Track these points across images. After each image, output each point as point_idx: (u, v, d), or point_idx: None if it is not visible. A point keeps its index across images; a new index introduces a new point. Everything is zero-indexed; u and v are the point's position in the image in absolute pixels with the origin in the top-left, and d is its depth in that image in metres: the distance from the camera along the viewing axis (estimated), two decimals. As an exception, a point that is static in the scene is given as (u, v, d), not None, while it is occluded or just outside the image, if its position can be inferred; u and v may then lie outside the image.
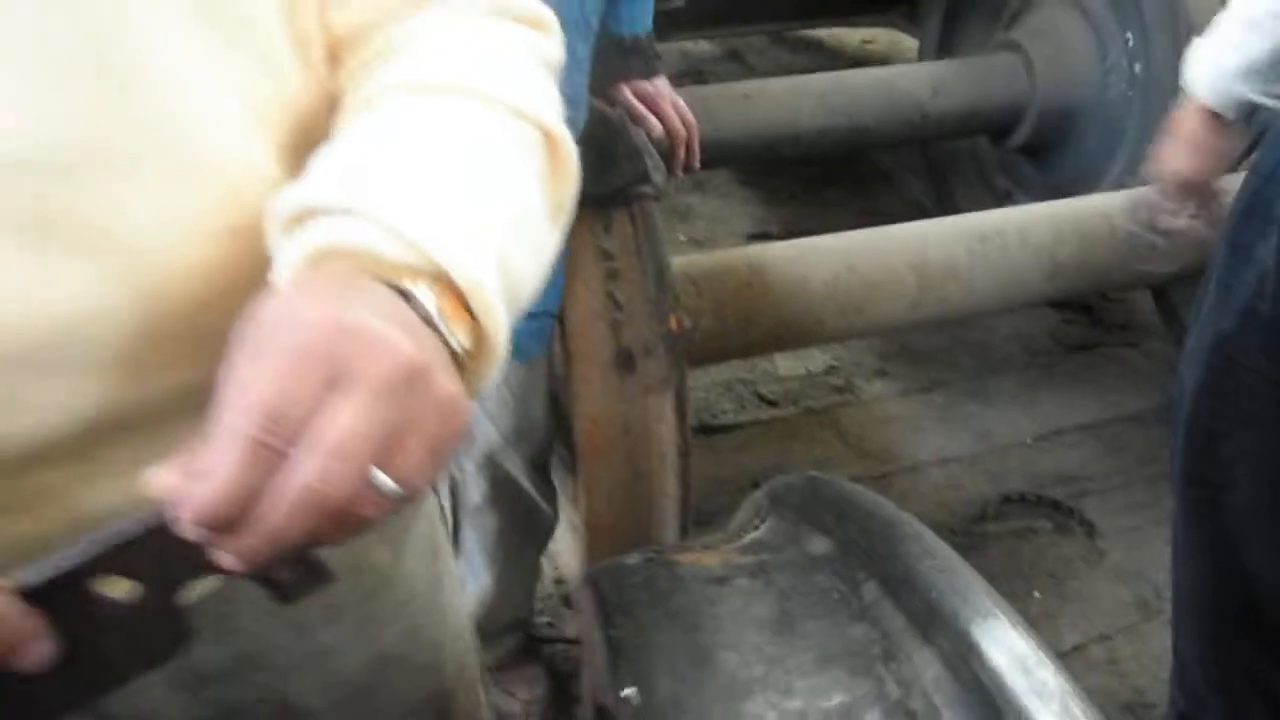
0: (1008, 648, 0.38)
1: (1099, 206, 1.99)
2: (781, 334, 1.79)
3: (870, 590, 0.47)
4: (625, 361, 1.40)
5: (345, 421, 0.37)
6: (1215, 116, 1.22)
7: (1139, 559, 2.01)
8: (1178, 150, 1.28)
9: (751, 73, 4.22)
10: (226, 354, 0.39)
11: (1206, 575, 1.29)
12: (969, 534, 2.08)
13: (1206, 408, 1.22)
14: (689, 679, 0.43)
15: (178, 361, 0.50)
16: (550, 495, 1.55)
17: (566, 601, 1.89)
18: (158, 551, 0.42)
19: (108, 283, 0.46)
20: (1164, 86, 2.24)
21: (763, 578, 0.52)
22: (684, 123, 1.49)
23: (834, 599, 0.48)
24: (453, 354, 0.43)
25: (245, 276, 0.49)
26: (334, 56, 0.56)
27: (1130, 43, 2.39)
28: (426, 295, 0.42)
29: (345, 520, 0.39)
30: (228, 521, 0.38)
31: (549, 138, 0.55)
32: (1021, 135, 2.61)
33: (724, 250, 2.04)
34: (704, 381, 2.52)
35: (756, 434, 2.40)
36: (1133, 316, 2.76)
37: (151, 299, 0.47)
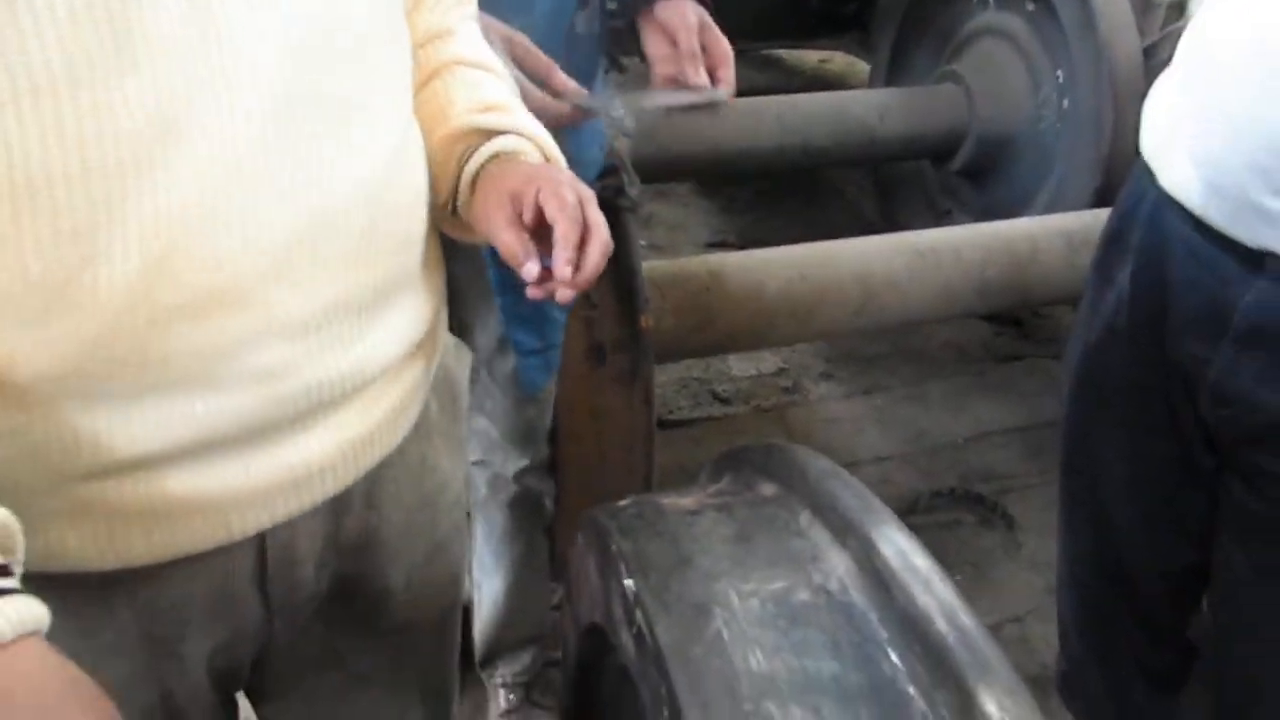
0: (894, 545, 0.55)
1: (1025, 230, 2.20)
2: (737, 335, 1.97)
3: (805, 517, 0.64)
4: (597, 354, 1.57)
5: (596, 210, 0.75)
6: None
7: (1052, 549, 2.19)
8: None
9: (713, 88, 4.39)
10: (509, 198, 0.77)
11: (1085, 552, 1.46)
12: (901, 524, 2.27)
13: (1079, 407, 1.39)
14: (673, 573, 0.60)
15: (390, 254, 0.76)
16: (553, 492, 1.59)
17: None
18: None
19: (358, 190, 0.71)
20: (1087, 121, 2.46)
21: (726, 511, 0.69)
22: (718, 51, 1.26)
23: (778, 524, 0.65)
24: None
25: (415, 189, 0.79)
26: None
27: (1060, 79, 2.61)
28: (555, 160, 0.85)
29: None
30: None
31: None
32: (961, 160, 2.82)
33: (686, 258, 2.21)
34: (662, 380, 2.68)
35: (710, 429, 2.58)
36: (1058, 330, 2.98)
37: (376, 204, 0.72)
